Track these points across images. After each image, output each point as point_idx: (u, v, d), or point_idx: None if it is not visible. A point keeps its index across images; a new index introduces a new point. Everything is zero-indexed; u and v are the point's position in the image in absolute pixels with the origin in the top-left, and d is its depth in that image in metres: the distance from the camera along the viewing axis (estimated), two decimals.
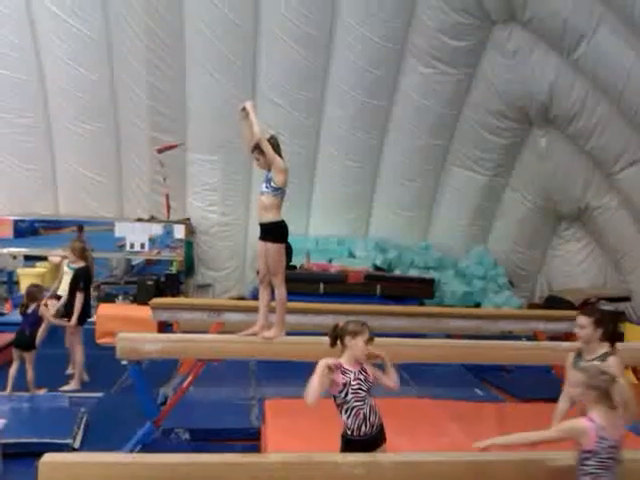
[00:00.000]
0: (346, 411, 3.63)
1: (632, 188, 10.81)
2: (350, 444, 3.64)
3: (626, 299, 11.63)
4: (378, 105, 11.46)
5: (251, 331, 4.82)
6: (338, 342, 3.76)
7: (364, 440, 3.62)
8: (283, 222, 4.69)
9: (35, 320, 6.72)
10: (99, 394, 6.88)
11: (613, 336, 4.13)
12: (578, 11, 9.69)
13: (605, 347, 4.06)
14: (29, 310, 6.77)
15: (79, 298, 7.03)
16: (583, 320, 4.09)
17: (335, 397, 3.67)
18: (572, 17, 9.75)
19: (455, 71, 11.15)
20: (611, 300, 11.53)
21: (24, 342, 6.68)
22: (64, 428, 5.50)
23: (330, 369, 3.59)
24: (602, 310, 4.46)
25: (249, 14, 10.80)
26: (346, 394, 3.62)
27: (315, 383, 3.52)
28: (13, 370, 6.63)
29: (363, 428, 3.61)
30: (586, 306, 10.95)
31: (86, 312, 7.34)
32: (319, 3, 10.64)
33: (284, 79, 11.19)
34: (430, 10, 10.64)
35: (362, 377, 3.66)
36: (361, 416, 3.61)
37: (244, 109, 4.66)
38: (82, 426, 5.69)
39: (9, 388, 6.55)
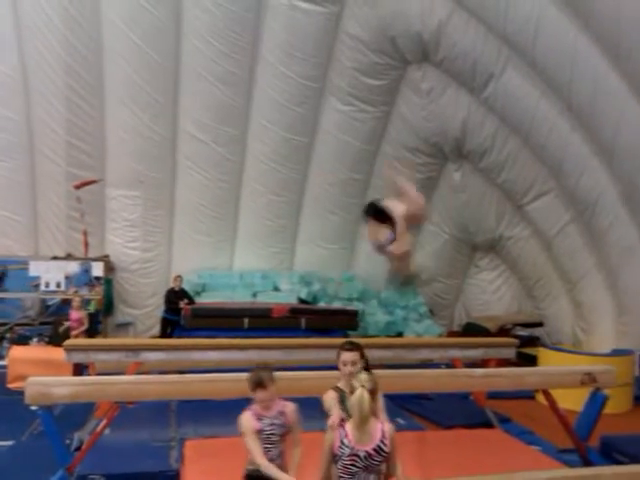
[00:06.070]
0: None
1: (541, 219, 11.39)
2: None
3: (539, 324, 12.15)
4: (300, 141, 11.66)
5: None
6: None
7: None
8: None
9: None
10: (10, 442, 6.55)
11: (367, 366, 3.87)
12: (486, 53, 10.23)
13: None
14: None
15: None
16: (354, 356, 3.82)
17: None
18: (481, 58, 10.28)
19: (373, 109, 11.51)
20: (526, 326, 12.03)
21: None
22: None
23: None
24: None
25: (170, 52, 10.83)
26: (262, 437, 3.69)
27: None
28: None
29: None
30: (502, 332, 11.41)
31: None
32: (240, 42, 10.79)
33: (206, 115, 11.24)
34: (348, 50, 11.00)
35: (277, 422, 3.72)
36: (267, 457, 3.67)
37: None
38: None
39: None
